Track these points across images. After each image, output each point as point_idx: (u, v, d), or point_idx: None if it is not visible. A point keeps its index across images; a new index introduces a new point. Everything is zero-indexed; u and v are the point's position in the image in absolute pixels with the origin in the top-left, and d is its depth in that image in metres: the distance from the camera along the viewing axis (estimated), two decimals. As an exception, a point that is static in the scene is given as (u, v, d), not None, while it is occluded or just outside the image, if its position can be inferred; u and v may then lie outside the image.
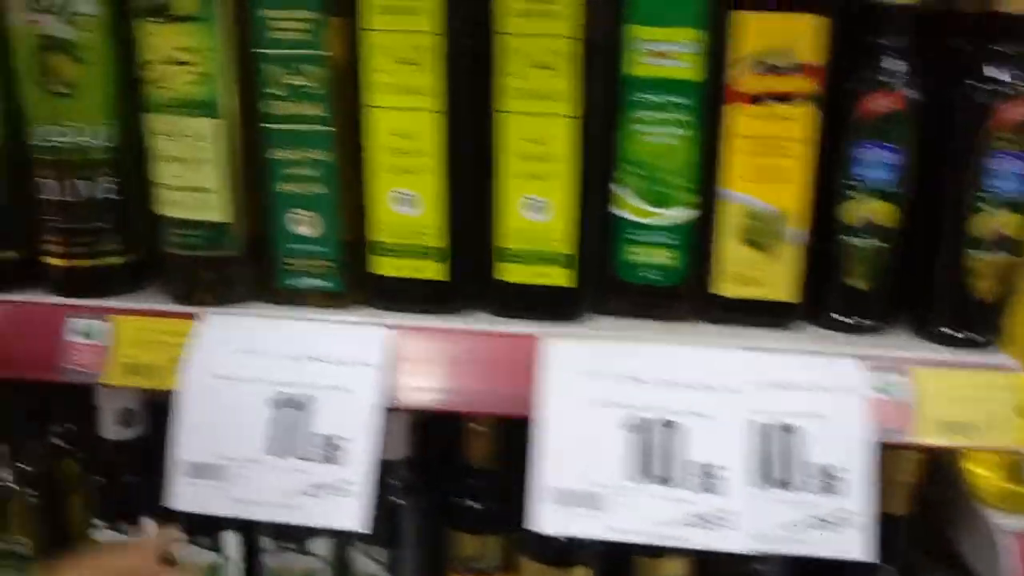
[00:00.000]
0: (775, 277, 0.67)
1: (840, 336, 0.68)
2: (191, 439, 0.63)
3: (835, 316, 0.69)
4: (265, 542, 0.80)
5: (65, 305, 0.69)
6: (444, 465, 0.82)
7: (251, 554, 0.82)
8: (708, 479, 0.60)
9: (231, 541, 0.81)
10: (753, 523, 0.60)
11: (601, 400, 0.62)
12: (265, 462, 0.63)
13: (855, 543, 0.60)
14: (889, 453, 0.66)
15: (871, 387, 0.62)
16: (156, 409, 0.83)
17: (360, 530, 0.62)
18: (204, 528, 0.80)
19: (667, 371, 0.63)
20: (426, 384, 0.65)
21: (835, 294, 0.68)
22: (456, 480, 0.81)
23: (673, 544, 0.59)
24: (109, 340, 0.67)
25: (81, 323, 0.68)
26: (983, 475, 0.72)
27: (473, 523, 0.81)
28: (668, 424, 0.61)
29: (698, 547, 0.59)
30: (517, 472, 0.78)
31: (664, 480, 0.60)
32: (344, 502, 0.62)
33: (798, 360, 0.63)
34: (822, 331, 0.69)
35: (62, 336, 0.67)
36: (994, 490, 0.71)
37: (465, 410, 0.65)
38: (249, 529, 0.81)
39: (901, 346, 0.66)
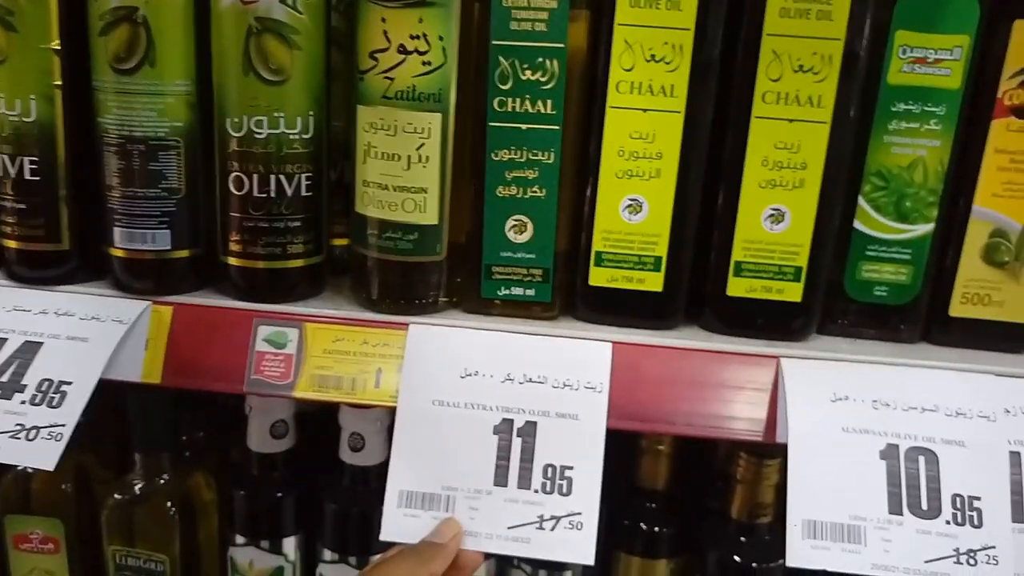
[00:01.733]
0: (1016, 298, 0.63)
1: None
2: (407, 468, 0.59)
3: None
4: (326, 554, 0.76)
5: (253, 310, 0.63)
6: (615, 486, 0.77)
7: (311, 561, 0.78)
8: (970, 512, 0.56)
9: (292, 546, 0.77)
10: (1018, 559, 0.56)
11: (852, 426, 0.58)
12: (492, 492, 0.58)
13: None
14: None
15: None
16: (301, 420, 0.78)
17: (589, 563, 0.58)
18: (358, 549, 0.76)
19: (916, 395, 0.59)
20: (654, 406, 0.61)
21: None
22: (627, 502, 0.77)
23: (937, 582, 0.56)
24: (299, 349, 0.62)
25: (271, 330, 0.62)
26: None
27: (644, 546, 0.77)
28: (924, 452, 0.57)
29: (961, 586, 0.56)
30: (687, 494, 0.75)
31: (925, 512, 0.56)
32: (573, 535, 0.57)
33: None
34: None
35: (250, 344, 0.62)
36: None
37: (693, 433, 0.60)
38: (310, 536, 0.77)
39: None
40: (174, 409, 0.75)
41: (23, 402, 0.60)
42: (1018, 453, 0.58)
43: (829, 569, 0.55)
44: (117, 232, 0.64)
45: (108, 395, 0.71)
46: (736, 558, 0.72)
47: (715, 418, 0.61)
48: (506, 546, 0.57)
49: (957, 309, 0.64)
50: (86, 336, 0.62)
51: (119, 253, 0.64)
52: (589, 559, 0.57)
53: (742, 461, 0.70)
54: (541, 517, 0.57)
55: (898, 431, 0.58)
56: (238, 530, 0.77)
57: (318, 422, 0.80)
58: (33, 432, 0.59)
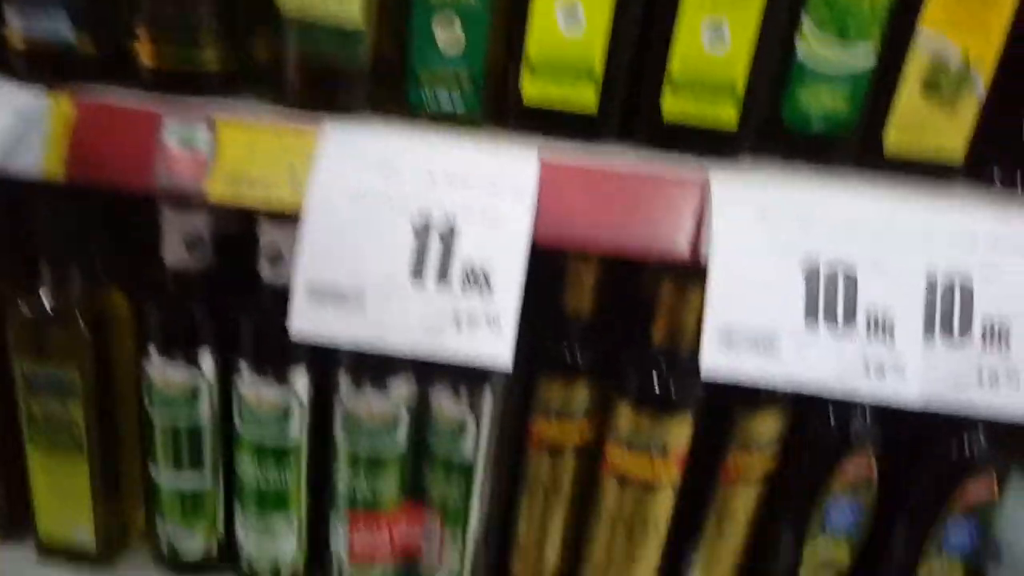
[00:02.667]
0: (949, 131, 0.62)
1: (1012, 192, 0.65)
2: (319, 261, 0.56)
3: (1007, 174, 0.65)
4: (343, 383, 0.74)
5: (164, 106, 0.59)
6: (539, 311, 0.76)
7: (323, 395, 0.77)
8: (882, 327, 0.57)
9: (304, 381, 0.75)
10: (925, 373, 0.57)
11: (775, 242, 0.57)
12: (407, 290, 0.56)
13: (1019, 400, 0.58)
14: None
15: (1050, 245, 0.59)
16: (219, 238, 0.75)
17: (507, 366, 0.57)
18: (272, 363, 0.74)
19: (841, 215, 0.58)
20: (579, 221, 0.59)
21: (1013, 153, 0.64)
22: (550, 326, 0.76)
23: (845, 397, 0.56)
24: (213, 149, 0.58)
25: (182, 127, 0.58)
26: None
27: (566, 369, 0.77)
28: (844, 269, 0.57)
29: (868, 397, 0.56)
30: (613, 320, 0.75)
31: (839, 325, 0.57)
32: (490, 336, 0.56)
33: (974, 213, 0.59)
34: (993, 190, 0.65)
35: (161, 141, 0.58)
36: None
37: (620, 250, 0.59)
38: (322, 369, 0.75)
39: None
40: (83, 217, 0.71)
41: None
42: (934, 274, 0.58)
43: (741, 378, 0.56)
44: (13, 15, 0.58)
45: (13, 205, 0.67)
46: (656, 382, 0.72)
47: (641, 237, 0.59)
48: (420, 344, 0.56)
49: (892, 142, 0.63)
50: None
51: (16, 39, 0.59)
52: (506, 361, 0.56)
53: (663, 286, 0.70)
54: (457, 317, 0.56)
55: (820, 248, 0.57)
56: (153, 346, 0.75)
57: (241, 243, 0.77)
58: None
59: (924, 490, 0.78)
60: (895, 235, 0.58)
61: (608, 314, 0.76)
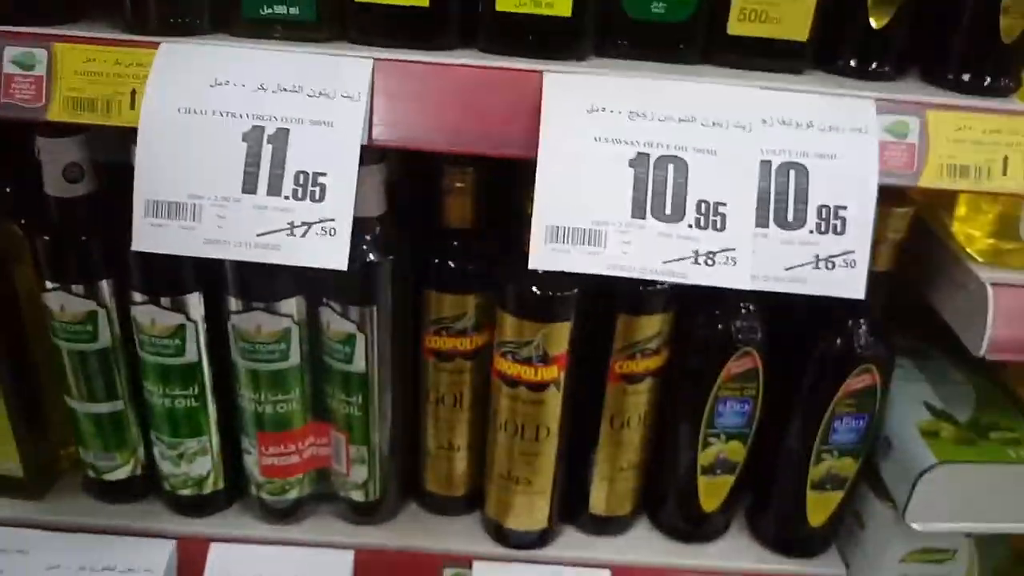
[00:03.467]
0: (792, 14, 0.62)
1: (854, 82, 0.65)
2: (155, 177, 0.58)
3: (851, 62, 0.65)
4: (232, 303, 0.76)
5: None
6: (422, 225, 0.78)
7: (217, 316, 0.79)
8: (713, 216, 0.58)
9: (195, 302, 0.77)
10: (755, 261, 0.58)
11: (605, 136, 0.58)
12: (240, 200, 0.58)
13: (852, 282, 0.59)
14: (881, 209, 0.65)
15: (883, 128, 0.59)
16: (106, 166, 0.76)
17: (342, 268, 0.58)
18: (167, 288, 0.76)
19: (674, 107, 0.59)
20: (416, 122, 0.60)
21: (852, 38, 0.64)
22: (433, 240, 0.78)
23: (673, 280, 0.57)
24: (50, 71, 0.60)
25: (18, 51, 0.59)
26: (970, 231, 0.72)
27: (450, 282, 0.78)
28: (674, 160, 0.58)
29: (698, 283, 0.58)
30: (495, 232, 0.76)
31: (669, 217, 0.57)
32: (325, 240, 0.57)
33: (810, 99, 0.59)
34: (836, 77, 0.65)
35: (-2, 64, 0.59)
36: (980, 245, 0.71)
37: (457, 150, 0.60)
38: (215, 290, 0.77)
39: (914, 91, 0.63)
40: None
41: None
42: (768, 162, 0.59)
43: (568, 270, 0.57)
44: None
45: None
46: (533, 289, 0.74)
47: (478, 136, 0.60)
48: (256, 253, 0.58)
49: (735, 27, 0.63)
50: None
51: None
52: (342, 264, 0.58)
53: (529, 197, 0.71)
54: (292, 223, 0.58)
55: (651, 140, 0.58)
56: (47, 276, 0.77)
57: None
58: None
59: (811, 386, 0.80)
60: (730, 124, 0.59)
61: (487, 225, 0.78)
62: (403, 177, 0.82)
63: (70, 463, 0.92)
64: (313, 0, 0.60)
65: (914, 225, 0.72)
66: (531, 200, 0.67)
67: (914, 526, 0.80)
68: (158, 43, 0.59)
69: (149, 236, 0.57)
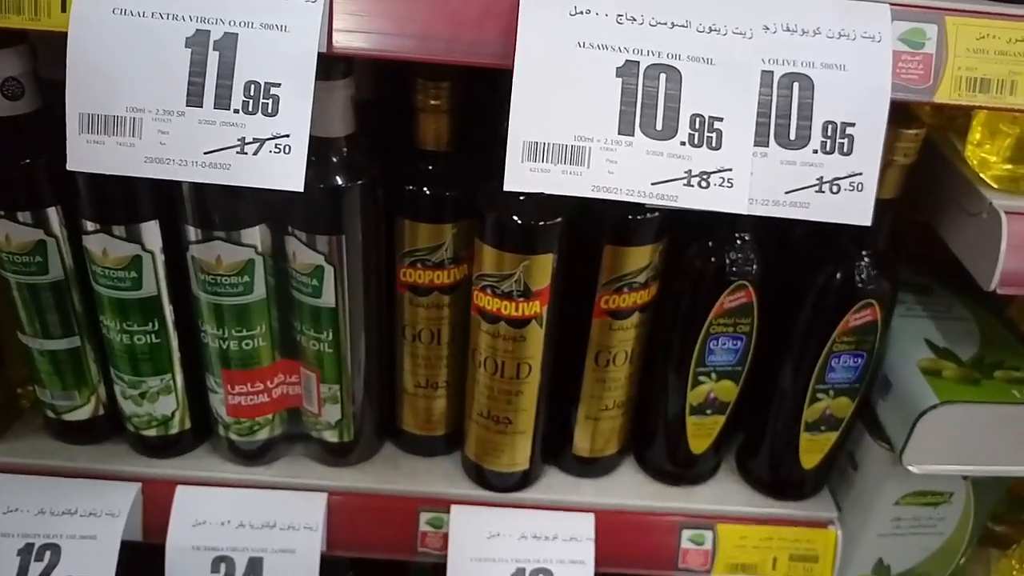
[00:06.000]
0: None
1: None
2: (89, 88, 0.52)
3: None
4: (191, 232, 0.71)
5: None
6: (396, 147, 0.72)
7: (176, 246, 0.73)
8: (708, 133, 0.52)
9: (153, 231, 0.72)
10: (753, 183, 0.53)
11: (590, 41, 0.52)
12: (185, 113, 0.52)
13: (859, 207, 0.54)
14: (891, 130, 0.60)
15: (897, 36, 0.54)
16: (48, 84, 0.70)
17: (298, 189, 0.53)
18: (123, 217, 0.71)
19: (668, 9, 0.53)
20: (379, 27, 0.54)
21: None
22: (407, 163, 0.72)
23: (663, 203, 0.52)
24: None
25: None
26: (985, 156, 0.67)
27: (425, 210, 0.73)
28: (666, 69, 0.52)
29: (691, 206, 0.52)
30: (475, 156, 0.70)
31: (659, 133, 0.52)
32: (279, 159, 0.52)
33: (818, 3, 0.54)
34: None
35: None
36: (996, 171, 0.66)
37: (425, 57, 0.54)
38: (174, 218, 0.72)
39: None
40: None
41: None
42: (770, 72, 0.53)
43: (547, 191, 0.52)
44: None
45: None
46: (515, 218, 0.69)
47: (449, 43, 0.54)
48: (203, 173, 0.52)
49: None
50: None
51: None
52: (298, 185, 0.53)
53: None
54: (242, 140, 0.52)
55: (641, 47, 0.52)
56: (-8, 203, 0.72)
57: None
58: None
59: (808, 322, 0.75)
60: (729, 30, 0.53)
61: (467, 149, 0.72)
62: (376, 96, 0.77)
63: (30, 402, 0.87)
64: None
65: (923, 149, 0.67)
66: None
67: (911, 468, 0.76)
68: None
69: (85, 154, 0.52)
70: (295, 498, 0.82)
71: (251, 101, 0.52)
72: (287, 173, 0.52)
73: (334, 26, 0.53)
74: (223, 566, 0.79)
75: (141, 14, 0.51)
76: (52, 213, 0.72)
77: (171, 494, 0.81)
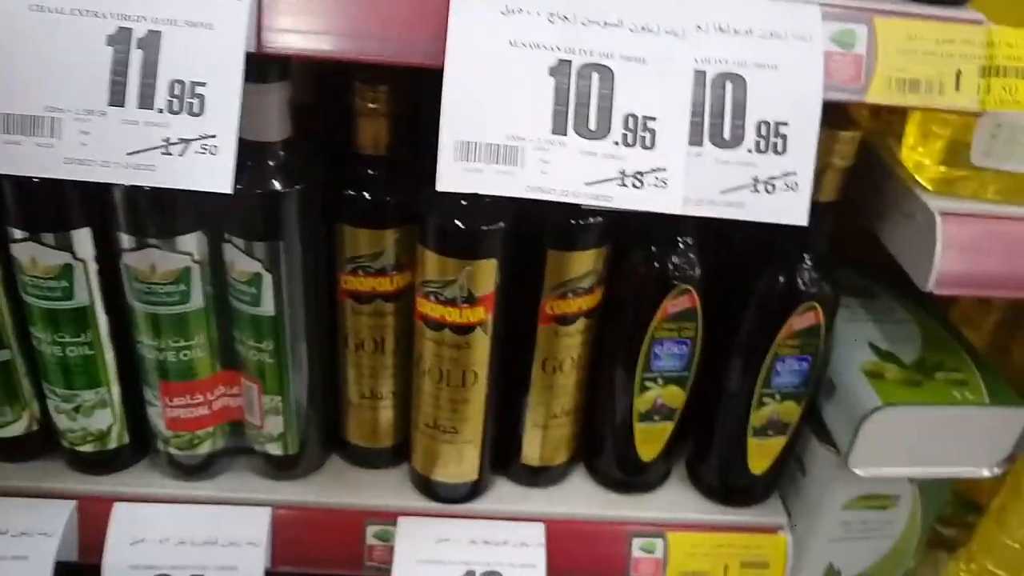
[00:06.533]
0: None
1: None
2: (6, 88, 0.50)
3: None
4: (124, 239, 0.69)
5: None
6: (333, 152, 0.71)
7: (109, 255, 0.72)
8: (642, 132, 0.52)
9: (84, 239, 0.70)
10: (687, 183, 0.53)
11: (522, 40, 0.51)
12: (107, 113, 0.50)
13: (794, 206, 0.54)
14: (827, 133, 0.60)
15: (828, 37, 0.54)
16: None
17: (227, 191, 0.52)
18: (52, 225, 0.69)
19: (600, 9, 0.52)
20: (308, 25, 0.53)
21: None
22: (347, 168, 0.71)
23: (598, 204, 0.52)
24: None
25: None
26: (919, 159, 0.68)
27: (366, 216, 0.72)
28: (599, 69, 0.52)
29: (625, 207, 0.52)
30: (416, 160, 0.70)
31: (592, 133, 0.52)
32: (207, 159, 0.51)
33: (750, 3, 0.54)
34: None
35: None
36: (930, 173, 0.67)
37: (353, 57, 0.53)
38: (106, 226, 0.70)
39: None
40: None
41: None
42: (703, 72, 0.53)
43: (480, 192, 0.51)
44: None
45: None
46: (458, 223, 0.68)
47: (380, 42, 0.54)
48: (126, 175, 0.51)
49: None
50: None
51: None
52: (226, 186, 0.51)
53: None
54: (167, 140, 0.51)
55: (574, 46, 0.52)
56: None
57: None
58: None
59: (752, 325, 0.75)
60: (661, 30, 0.53)
61: (408, 153, 0.71)
62: (316, 100, 0.76)
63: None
64: None
65: (860, 152, 0.67)
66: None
67: (857, 471, 0.77)
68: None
69: (2, 156, 0.50)
70: (238, 513, 0.80)
71: (176, 100, 0.50)
72: (215, 174, 0.50)
73: (263, 24, 0.52)
74: (162, 586, 0.77)
75: (60, 10, 0.50)
76: (-24, 223, 0.70)
77: (108, 511, 0.79)
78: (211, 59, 0.51)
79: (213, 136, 0.51)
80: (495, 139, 0.51)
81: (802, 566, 0.87)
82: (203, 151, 0.51)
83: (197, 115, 0.51)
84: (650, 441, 0.83)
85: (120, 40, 0.50)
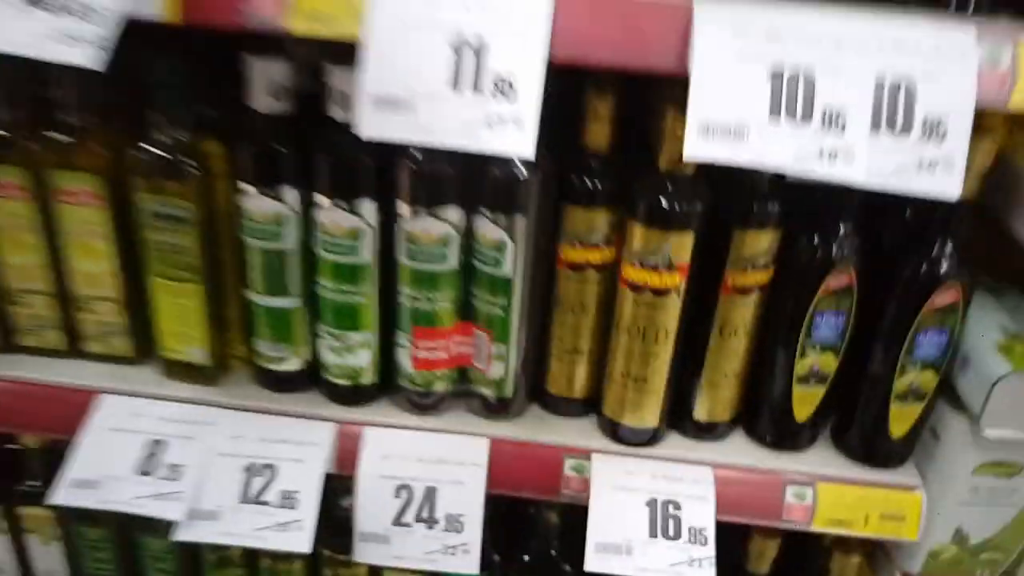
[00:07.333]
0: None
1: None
2: (378, 76, 0.72)
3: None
4: (403, 208, 0.90)
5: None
6: (564, 149, 0.91)
7: (388, 221, 0.92)
8: (836, 121, 0.70)
9: (370, 207, 0.91)
10: (869, 160, 0.70)
11: (748, 54, 0.70)
12: (447, 96, 0.71)
13: (950, 183, 0.71)
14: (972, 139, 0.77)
15: (980, 54, 0.71)
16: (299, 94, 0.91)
17: (529, 158, 0.72)
18: (344, 193, 0.90)
19: (805, 32, 0.71)
20: (587, 39, 0.73)
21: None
22: (572, 161, 0.91)
23: (802, 173, 0.70)
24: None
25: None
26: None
27: (585, 197, 0.91)
28: (805, 73, 0.70)
29: (822, 177, 0.70)
30: (626, 151, 0.89)
31: (799, 119, 0.70)
32: (516, 133, 0.71)
33: (919, 28, 0.72)
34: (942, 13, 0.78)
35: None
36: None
37: (622, 66, 0.73)
38: (387, 196, 0.91)
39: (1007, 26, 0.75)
40: (188, 73, 0.88)
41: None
42: (883, 77, 0.71)
43: (717, 160, 0.70)
44: None
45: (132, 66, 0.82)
46: (662, 202, 0.87)
47: (639, 54, 0.73)
48: (458, 140, 0.71)
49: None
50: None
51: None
52: (529, 154, 0.71)
53: (666, 119, 0.83)
54: (488, 118, 0.71)
55: (785, 58, 0.71)
56: (250, 181, 0.91)
57: (313, 92, 0.92)
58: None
59: (899, 300, 0.91)
60: (851, 45, 0.71)
61: (622, 146, 0.91)
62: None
63: (239, 356, 1.06)
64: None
65: (998, 163, 0.83)
66: (674, 117, 0.80)
67: (988, 432, 0.90)
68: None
69: (371, 123, 0.71)
70: (463, 440, 0.98)
71: (496, 90, 0.71)
72: (521, 147, 0.71)
73: (556, 37, 0.72)
74: (404, 493, 0.96)
75: (418, 26, 0.71)
76: (292, 192, 0.92)
77: (360, 435, 0.99)
78: (522, 62, 0.71)
79: (521, 117, 0.71)
80: (728, 121, 0.70)
81: (933, 528, 1.00)
82: (514, 128, 0.71)
83: (510, 102, 0.71)
84: (805, 403, 0.98)
85: (458, 46, 0.71)
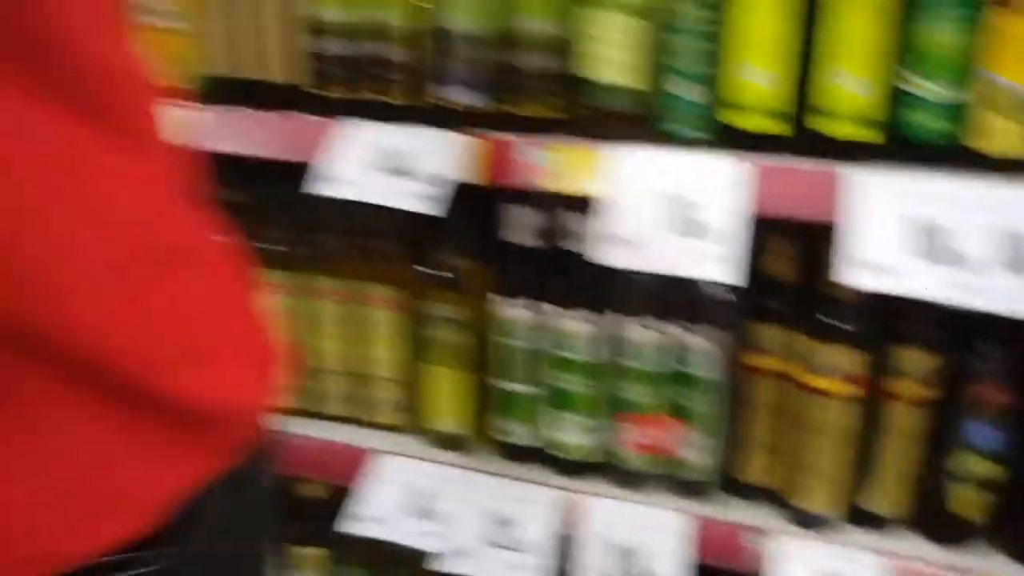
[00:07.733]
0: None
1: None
2: (613, 221, 1.00)
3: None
4: (622, 318, 1.16)
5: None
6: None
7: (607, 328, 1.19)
8: (972, 262, 0.90)
9: (590, 316, 1.18)
10: (1002, 294, 0.89)
11: (893, 211, 0.93)
12: (664, 239, 0.98)
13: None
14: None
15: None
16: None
17: (728, 283, 0.97)
18: (573, 304, 1.18)
19: (943, 195, 0.93)
20: (782, 204, 0.98)
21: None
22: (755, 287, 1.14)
23: (948, 302, 0.90)
24: (546, 163, 1.05)
25: (529, 151, 1.06)
26: None
27: (765, 316, 1.14)
28: (943, 229, 0.91)
29: (960, 304, 0.90)
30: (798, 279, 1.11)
31: (940, 261, 0.91)
32: (717, 265, 0.96)
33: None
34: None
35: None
36: None
37: (801, 219, 0.97)
38: (610, 308, 1.18)
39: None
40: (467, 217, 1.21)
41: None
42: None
43: (867, 289, 0.91)
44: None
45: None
46: (823, 322, 1.08)
47: (815, 213, 0.98)
48: (681, 273, 0.97)
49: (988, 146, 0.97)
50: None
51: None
52: (734, 279, 0.96)
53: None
54: (692, 256, 0.97)
55: (936, 220, 0.92)
56: (502, 295, 1.22)
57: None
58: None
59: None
60: (983, 207, 0.92)
61: (793, 275, 1.13)
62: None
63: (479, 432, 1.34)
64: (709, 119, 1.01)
65: None
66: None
67: None
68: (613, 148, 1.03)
69: (609, 256, 0.99)
70: (664, 514, 1.20)
71: (701, 230, 0.97)
72: (721, 274, 0.96)
73: (760, 202, 0.98)
74: (615, 553, 1.18)
75: (642, 189, 0.99)
76: (535, 304, 1.21)
77: (586, 504, 1.22)
78: (727, 219, 0.97)
79: (721, 254, 0.96)
80: (875, 261, 0.91)
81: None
82: (716, 261, 0.96)
83: (707, 241, 0.97)
84: (968, 505, 1.12)
85: (671, 200, 0.98)
